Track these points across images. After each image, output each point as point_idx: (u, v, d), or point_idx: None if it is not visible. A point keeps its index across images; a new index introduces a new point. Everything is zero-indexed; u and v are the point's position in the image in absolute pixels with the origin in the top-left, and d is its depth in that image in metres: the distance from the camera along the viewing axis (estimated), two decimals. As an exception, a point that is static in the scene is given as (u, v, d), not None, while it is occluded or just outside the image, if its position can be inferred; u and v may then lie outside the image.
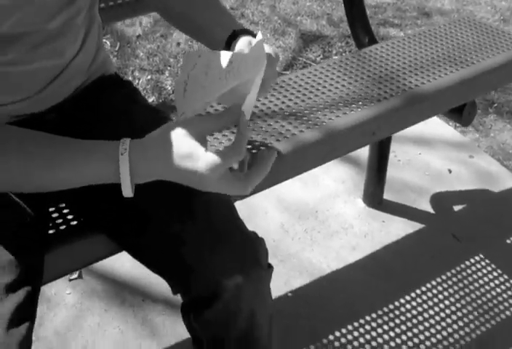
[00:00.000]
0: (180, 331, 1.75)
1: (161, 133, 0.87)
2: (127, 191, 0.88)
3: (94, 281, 1.89)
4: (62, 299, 1.82)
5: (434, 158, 2.55)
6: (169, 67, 2.72)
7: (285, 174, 1.50)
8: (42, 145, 0.89)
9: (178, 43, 2.88)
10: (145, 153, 0.86)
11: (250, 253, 1.07)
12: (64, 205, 1.24)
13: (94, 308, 1.80)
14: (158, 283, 1.90)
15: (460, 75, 1.74)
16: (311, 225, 2.18)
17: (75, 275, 1.87)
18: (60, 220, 1.20)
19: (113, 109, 1.19)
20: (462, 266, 2.08)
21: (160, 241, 1.08)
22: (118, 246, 1.19)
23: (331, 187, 2.35)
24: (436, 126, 2.74)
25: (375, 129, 1.60)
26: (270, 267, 1.13)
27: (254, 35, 1.10)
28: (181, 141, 0.84)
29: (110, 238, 1.16)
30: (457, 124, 2.78)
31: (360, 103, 1.59)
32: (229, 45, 1.10)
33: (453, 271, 2.05)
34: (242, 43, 1.05)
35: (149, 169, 0.87)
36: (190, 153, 0.84)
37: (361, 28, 1.94)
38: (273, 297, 1.80)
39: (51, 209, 1.22)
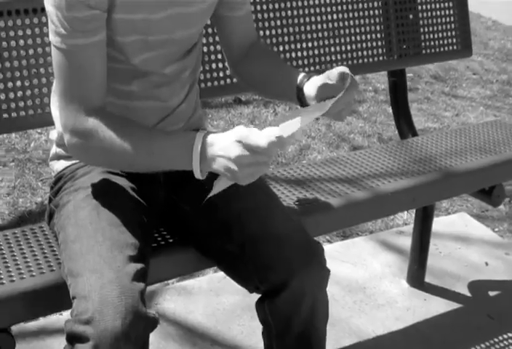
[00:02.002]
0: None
1: (227, 136, 1.20)
2: (197, 174, 1.23)
3: (170, 326, 2.18)
4: (142, 338, 2.11)
5: (472, 252, 2.83)
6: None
7: (336, 226, 1.82)
8: (142, 130, 1.26)
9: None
10: (211, 147, 1.20)
11: (313, 254, 1.39)
12: (162, 229, 1.57)
13: (169, 348, 2.07)
14: (226, 332, 2.19)
15: (490, 160, 2.07)
16: (359, 297, 2.45)
17: (153, 320, 2.17)
18: (160, 238, 1.54)
19: None
20: (496, 340, 2.30)
21: (235, 247, 1.40)
22: (206, 261, 1.51)
23: (378, 269, 2.64)
24: (475, 228, 3.02)
25: (415, 196, 1.92)
26: (328, 270, 1.43)
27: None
28: (232, 144, 1.18)
29: (197, 251, 1.49)
30: (495, 228, 3.06)
31: (402, 176, 1.92)
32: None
33: (487, 344, 2.28)
34: (309, 88, 1.38)
35: (210, 159, 1.20)
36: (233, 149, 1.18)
37: (405, 123, 2.31)
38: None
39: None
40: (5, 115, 1.60)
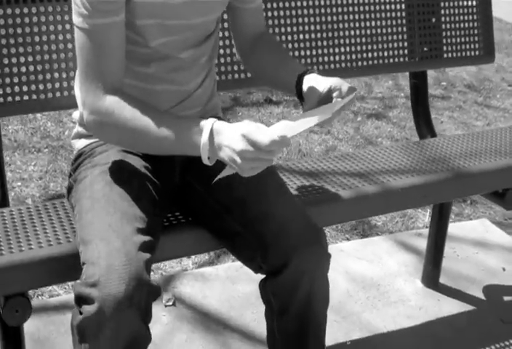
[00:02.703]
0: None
1: (235, 127, 1.28)
2: (205, 160, 1.32)
3: (185, 309, 2.28)
4: (158, 318, 2.21)
5: (490, 257, 2.86)
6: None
7: (345, 217, 1.89)
8: (155, 113, 1.35)
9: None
10: (218, 136, 1.29)
11: (314, 236, 1.46)
12: (175, 210, 1.66)
13: (183, 328, 2.17)
14: (239, 318, 2.27)
15: (505, 163, 2.10)
16: (373, 294, 2.51)
17: (170, 303, 2.26)
18: (172, 218, 1.62)
19: None
20: (507, 343, 2.34)
21: (241, 226, 1.48)
22: (214, 242, 1.59)
23: (393, 268, 2.69)
24: (496, 234, 3.05)
25: (425, 193, 1.97)
26: (329, 255, 1.50)
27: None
28: (238, 137, 1.26)
29: (208, 232, 1.57)
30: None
31: (414, 173, 1.98)
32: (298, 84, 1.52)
33: (497, 346, 2.31)
34: (307, 83, 1.48)
35: (217, 147, 1.29)
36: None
37: (424, 124, 2.37)
38: (334, 344, 2.16)
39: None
40: (42, 96, 1.73)
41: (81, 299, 1.25)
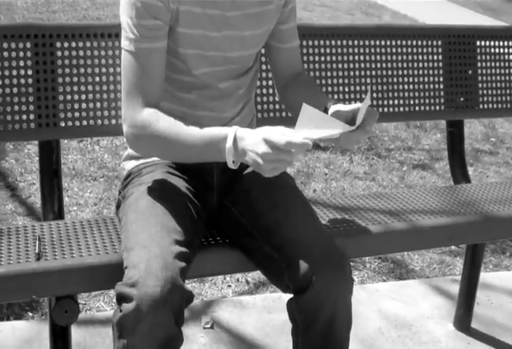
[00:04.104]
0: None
1: (257, 132, 1.45)
2: (230, 164, 1.48)
3: (222, 332, 2.41)
4: (196, 339, 2.35)
5: (525, 307, 2.91)
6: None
7: (371, 250, 2.00)
8: (183, 127, 1.53)
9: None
10: (242, 141, 1.46)
11: (338, 260, 1.59)
12: (214, 231, 1.81)
13: (219, 351, 2.30)
14: (273, 345, 2.39)
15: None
16: (405, 333, 2.59)
17: (208, 325, 2.40)
18: (210, 239, 1.78)
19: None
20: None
21: (272, 248, 1.62)
22: (247, 263, 1.73)
23: (427, 310, 2.77)
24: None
25: (452, 234, 2.07)
26: (352, 279, 1.62)
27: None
28: (260, 141, 1.42)
29: (242, 253, 1.71)
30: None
31: (443, 214, 2.09)
32: None
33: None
34: (333, 109, 1.59)
35: (242, 152, 1.46)
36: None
37: (459, 172, 2.49)
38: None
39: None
40: (91, 122, 1.95)
41: (121, 298, 1.40)
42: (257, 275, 2.79)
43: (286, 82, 1.83)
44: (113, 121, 1.96)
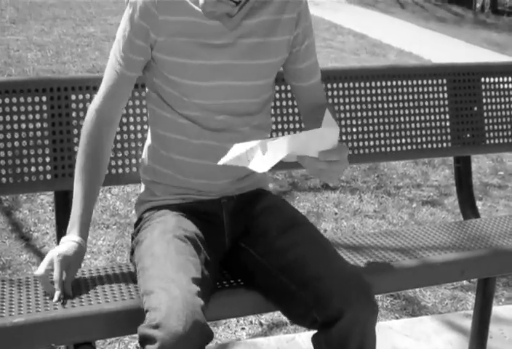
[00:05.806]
0: None
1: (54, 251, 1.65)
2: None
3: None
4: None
5: (540, 339, 2.91)
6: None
7: (385, 289, 2.02)
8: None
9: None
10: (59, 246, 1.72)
11: (366, 291, 1.63)
12: (226, 272, 1.84)
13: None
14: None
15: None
16: (419, 370, 2.59)
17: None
18: (225, 282, 1.81)
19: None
20: None
21: (296, 286, 1.65)
22: (266, 304, 1.75)
23: (440, 346, 2.77)
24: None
25: (464, 269, 2.10)
26: (377, 306, 1.65)
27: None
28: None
29: (259, 294, 1.74)
30: None
31: (453, 250, 2.12)
32: None
33: None
34: None
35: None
36: None
37: (468, 207, 2.52)
38: None
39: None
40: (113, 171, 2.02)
41: (144, 340, 1.43)
42: (269, 316, 2.80)
43: (309, 114, 1.88)
44: (127, 170, 2.02)
